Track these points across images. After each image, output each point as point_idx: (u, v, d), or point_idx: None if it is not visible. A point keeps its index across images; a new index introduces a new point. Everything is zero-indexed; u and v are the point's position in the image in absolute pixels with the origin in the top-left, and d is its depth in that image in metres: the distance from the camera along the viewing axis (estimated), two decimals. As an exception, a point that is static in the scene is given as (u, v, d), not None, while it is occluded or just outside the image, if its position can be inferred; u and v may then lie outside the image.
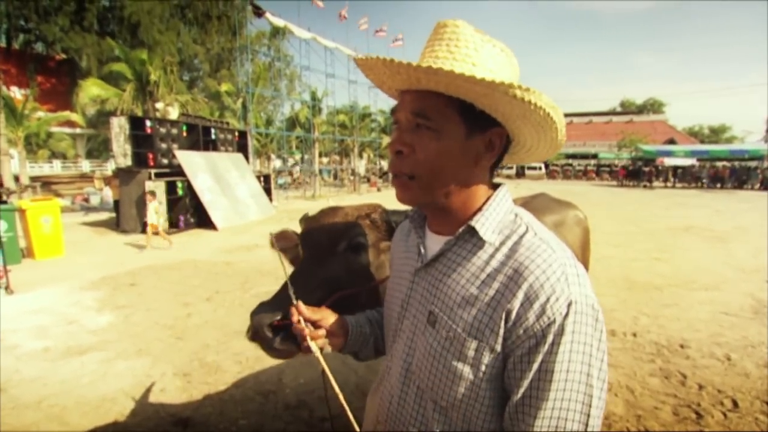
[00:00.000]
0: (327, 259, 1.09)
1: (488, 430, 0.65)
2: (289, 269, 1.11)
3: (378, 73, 0.67)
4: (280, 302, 0.89)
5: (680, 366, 3.00)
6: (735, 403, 2.54)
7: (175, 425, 2.38)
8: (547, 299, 0.58)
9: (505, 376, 0.62)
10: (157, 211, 7.14)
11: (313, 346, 0.75)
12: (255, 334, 0.90)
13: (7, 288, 4.78)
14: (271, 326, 0.88)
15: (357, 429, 0.67)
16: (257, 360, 3.10)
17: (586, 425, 0.58)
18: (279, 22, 16.72)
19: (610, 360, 3.09)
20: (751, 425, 2.35)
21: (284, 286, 0.98)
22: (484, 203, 0.69)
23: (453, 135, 0.64)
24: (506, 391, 0.63)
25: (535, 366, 0.58)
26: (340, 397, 0.69)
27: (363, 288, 1.08)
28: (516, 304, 0.59)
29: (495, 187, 0.73)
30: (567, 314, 0.57)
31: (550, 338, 0.57)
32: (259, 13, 16.59)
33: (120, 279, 5.36)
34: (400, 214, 1.18)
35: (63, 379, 2.89)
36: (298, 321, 0.77)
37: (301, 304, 0.79)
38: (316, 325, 0.79)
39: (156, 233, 7.18)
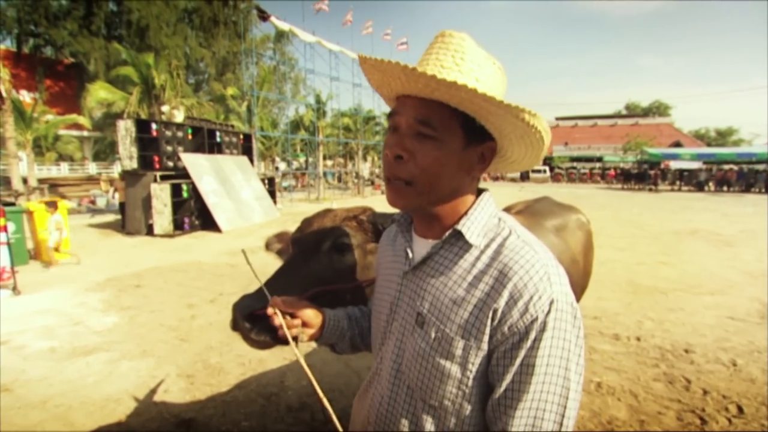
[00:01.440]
0: (311, 258, 1.13)
1: (477, 429, 0.67)
2: (274, 268, 1.15)
3: (389, 76, 0.67)
4: (262, 294, 0.92)
5: (685, 371, 2.98)
6: (740, 409, 2.51)
7: (179, 426, 2.40)
8: (531, 297, 0.61)
9: (489, 371, 0.65)
10: (58, 227, 6.14)
11: (287, 334, 0.78)
12: (235, 324, 0.94)
13: (14, 289, 4.84)
14: (251, 316, 0.91)
15: (330, 410, 0.68)
16: (260, 362, 3.11)
17: (563, 416, 0.61)
18: (284, 25, 16.83)
19: (614, 364, 3.07)
20: (757, 431, 2.32)
21: (269, 280, 1.03)
22: (469, 208, 0.72)
23: (453, 146, 0.66)
24: (490, 384, 0.65)
25: (518, 361, 0.61)
26: (316, 387, 0.71)
27: (342, 286, 1.11)
28: (501, 303, 0.62)
29: (478, 192, 0.75)
30: (549, 311, 0.60)
31: (532, 334, 0.60)
32: (263, 17, 16.73)
33: (125, 280, 5.41)
34: (388, 217, 1.20)
35: (68, 379, 2.92)
36: (274, 312, 0.80)
37: (276, 298, 0.82)
38: (292, 315, 0.82)
39: (56, 249, 6.17)
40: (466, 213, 0.71)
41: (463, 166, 0.68)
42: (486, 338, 0.63)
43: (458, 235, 0.69)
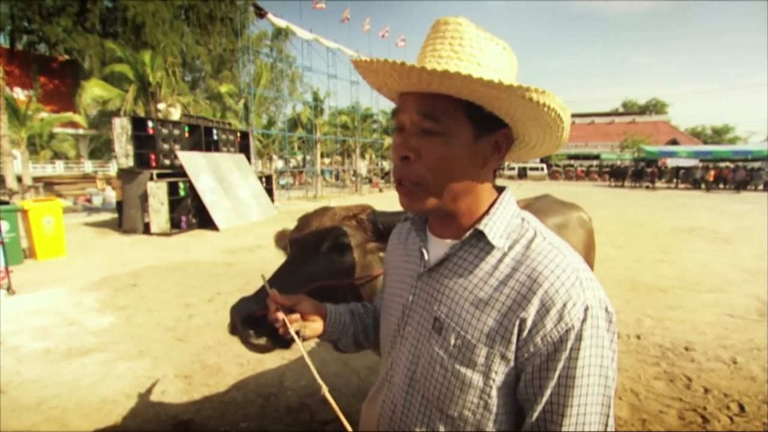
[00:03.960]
0: (311, 258, 1.11)
1: None
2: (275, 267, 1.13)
3: (383, 75, 0.64)
4: (260, 297, 0.90)
5: (685, 369, 2.97)
6: (741, 407, 2.51)
7: (176, 428, 2.37)
8: (564, 305, 0.57)
9: (521, 385, 0.61)
10: None
11: (290, 328, 0.75)
12: (233, 328, 0.92)
13: (9, 289, 4.78)
14: (250, 319, 0.89)
15: (340, 414, 0.66)
16: (258, 362, 3.08)
17: (606, 425, 0.60)
18: (281, 23, 16.74)
19: (615, 363, 3.06)
20: (758, 430, 2.31)
21: (267, 282, 1.02)
22: (491, 207, 0.68)
23: (461, 139, 0.63)
24: (521, 399, 0.62)
25: (557, 373, 0.58)
26: (322, 385, 0.69)
27: (342, 282, 1.10)
28: (531, 312, 0.58)
29: (499, 189, 0.72)
30: (584, 319, 0.57)
31: (569, 344, 0.57)
32: (261, 14, 16.63)
33: (122, 280, 5.36)
34: (389, 215, 1.18)
35: (64, 380, 2.88)
36: (276, 310, 0.77)
37: (275, 292, 0.78)
38: (292, 310, 0.79)
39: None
40: (487, 212, 0.67)
41: (477, 159, 0.64)
42: (512, 347, 0.60)
43: (479, 236, 0.65)
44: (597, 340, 0.58)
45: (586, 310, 0.57)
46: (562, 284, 0.58)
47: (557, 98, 0.60)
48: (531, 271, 0.60)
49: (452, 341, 0.64)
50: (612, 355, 0.60)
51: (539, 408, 0.59)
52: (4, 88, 11.86)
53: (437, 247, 0.72)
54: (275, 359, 3.09)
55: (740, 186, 21.90)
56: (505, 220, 0.66)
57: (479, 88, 0.57)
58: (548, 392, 0.58)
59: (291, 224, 1.29)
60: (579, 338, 0.57)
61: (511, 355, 0.60)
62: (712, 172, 23.28)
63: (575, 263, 0.61)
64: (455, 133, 0.62)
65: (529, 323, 0.58)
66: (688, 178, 25.43)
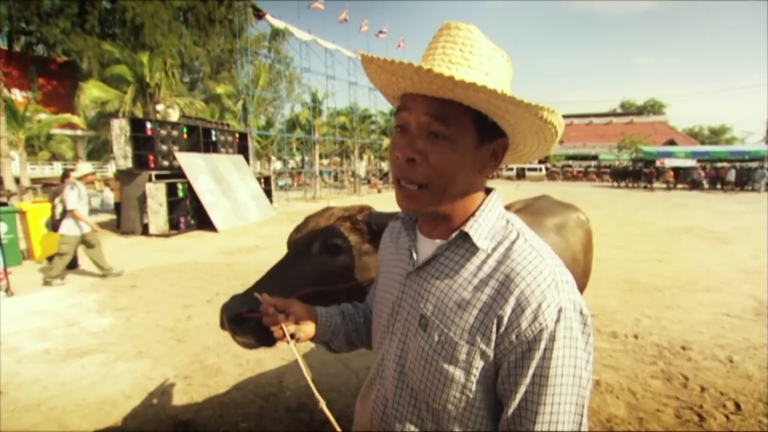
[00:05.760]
0: (303, 259, 1.12)
1: None
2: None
3: (398, 76, 0.63)
4: (252, 295, 0.91)
5: (682, 368, 2.99)
6: (738, 406, 2.53)
7: (176, 428, 2.37)
8: (539, 305, 0.59)
9: (499, 381, 0.63)
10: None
11: (286, 332, 0.77)
12: (223, 325, 0.95)
13: (7, 290, 4.78)
14: (238, 318, 0.91)
15: (326, 410, 0.68)
16: (258, 362, 3.09)
17: (580, 424, 0.61)
18: (279, 24, 16.76)
19: (612, 362, 3.08)
20: (754, 428, 2.33)
21: (260, 281, 1.05)
22: (477, 209, 0.70)
23: (466, 145, 0.65)
24: (500, 394, 0.64)
25: (530, 372, 0.60)
26: (312, 386, 0.71)
27: (336, 286, 1.10)
28: (507, 310, 0.60)
29: (486, 190, 0.74)
30: (558, 320, 0.59)
31: (542, 344, 0.59)
32: (259, 15, 16.65)
33: (120, 281, 5.36)
34: (385, 216, 1.18)
35: (63, 381, 2.88)
36: (272, 312, 0.79)
37: (267, 297, 0.80)
38: (281, 312, 0.81)
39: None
40: (473, 214, 0.69)
41: (477, 165, 0.67)
42: (492, 344, 0.62)
43: (465, 237, 0.68)
44: (570, 341, 0.59)
45: (559, 311, 0.59)
46: (537, 285, 0.60)
47: (559, 116, 0.64)
48: (510, 271, 0.62)
49: (436, 338, 0.66)
50: (587, 357, 0.61)
51: (514, 404, 0.61)
52: (2, 90, 11.82)
53: (426, 247, 0.73)
54: (275, 360, 3.10)
55: (698, 185, 22.70)
56: (490, 222, 0.69)
57: (498, 102, 0.59)
58: (522, 389, 0.60)
59: (290, 225, 1.30)
60: (552, 339, 0.59)
61: (490, 353, 0.62)
62: (671, 172, 24.03)
63: (553, 266, 0.63)
64: (461, 139, 0.64)
65: (505, 321, 0.60)
66: (685, 179, 25.53)
